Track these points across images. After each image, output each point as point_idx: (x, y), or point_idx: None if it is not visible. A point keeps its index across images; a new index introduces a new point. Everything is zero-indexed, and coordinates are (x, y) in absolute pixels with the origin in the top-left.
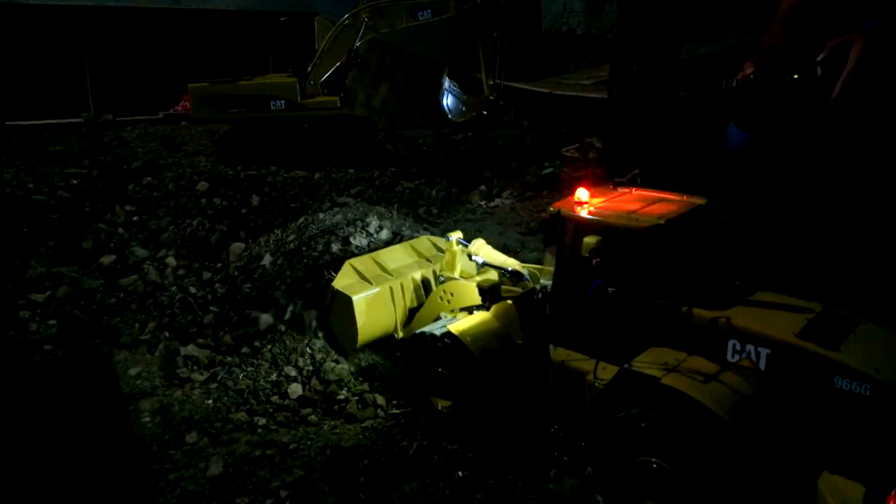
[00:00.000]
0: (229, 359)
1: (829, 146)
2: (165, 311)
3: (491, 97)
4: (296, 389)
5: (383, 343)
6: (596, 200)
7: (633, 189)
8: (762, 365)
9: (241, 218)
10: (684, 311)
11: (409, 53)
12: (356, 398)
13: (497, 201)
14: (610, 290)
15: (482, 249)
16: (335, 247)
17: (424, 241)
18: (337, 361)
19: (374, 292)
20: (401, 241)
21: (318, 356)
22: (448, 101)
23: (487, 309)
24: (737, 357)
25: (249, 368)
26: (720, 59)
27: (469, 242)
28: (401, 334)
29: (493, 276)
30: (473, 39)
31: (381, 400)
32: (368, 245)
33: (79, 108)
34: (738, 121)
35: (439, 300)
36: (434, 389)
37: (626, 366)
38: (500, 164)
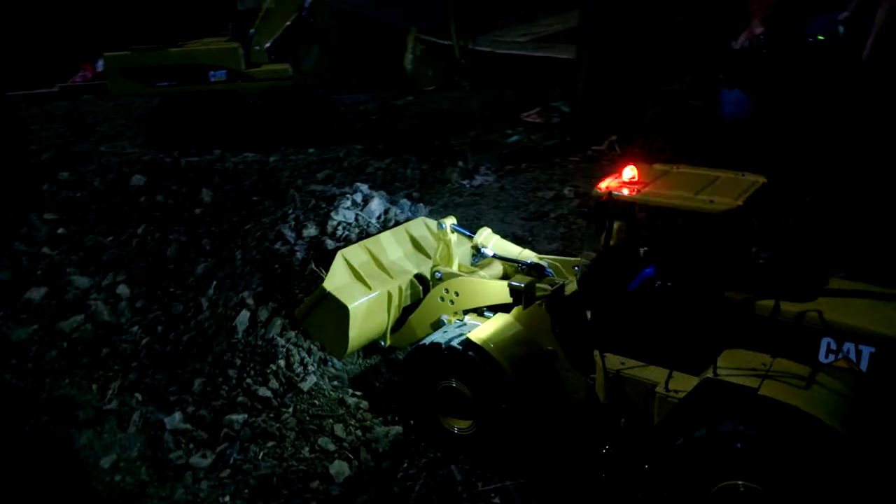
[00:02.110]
0: (237, 428)
1: (859, 109)
2: (130, 363)
3: (462, 60)
4: (341, 469)
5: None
6: (640, 177)
7: (677, 166)
8: (863, 365)
9: (197, 221)
10: (767, 306)
11: (340, 12)
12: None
13: (479, 179)
14: (659, 283)
15: (491, 240)
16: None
17: (420, 226)
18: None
19: (372, 298)
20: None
21: (361, 414)
22: (415, 65)
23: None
24: (831, 357)
25: (270, 443)
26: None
27: (465, 229)
28: (389, 341)
29: (497, 269)
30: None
31: None
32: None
33: None
34: (747, 84)
35: (440, 301)
36: (447, 409)
37: (710, 375)
38: (457, 133)
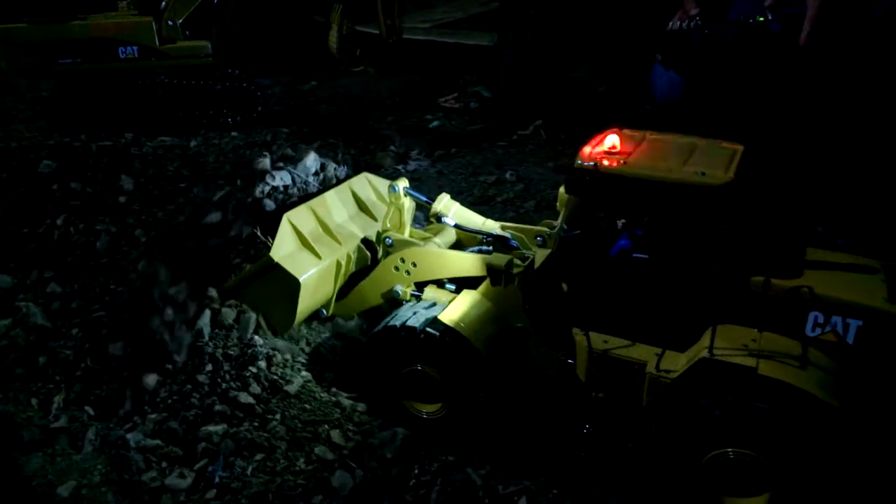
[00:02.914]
0: (216, 440)
1: (801, 92)
2: (74, 372)
3: (390, 40)
4: (344, 480)
5: None
6: (623, 146)
7: (648, 132)
8: (850, 338)
9: (123, 209)
10: (757, 281)
11: None
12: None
13: (413, 164)
14: (636, 255)
15: (452, 208)
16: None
17: (364, 184)
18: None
19: (322, 268)
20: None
21: (359, 417)
22: (340, 44)
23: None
24: (818, 331)
25: (258, 456)
26: None
27: (419, 194)
28: (331, 310)
29: (450, 235)
30: None
31: None
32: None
33: None
34: (683, 66)
35: (394, 271)
36: (413, 393)
37: (705, 355)
38: (375, 118)
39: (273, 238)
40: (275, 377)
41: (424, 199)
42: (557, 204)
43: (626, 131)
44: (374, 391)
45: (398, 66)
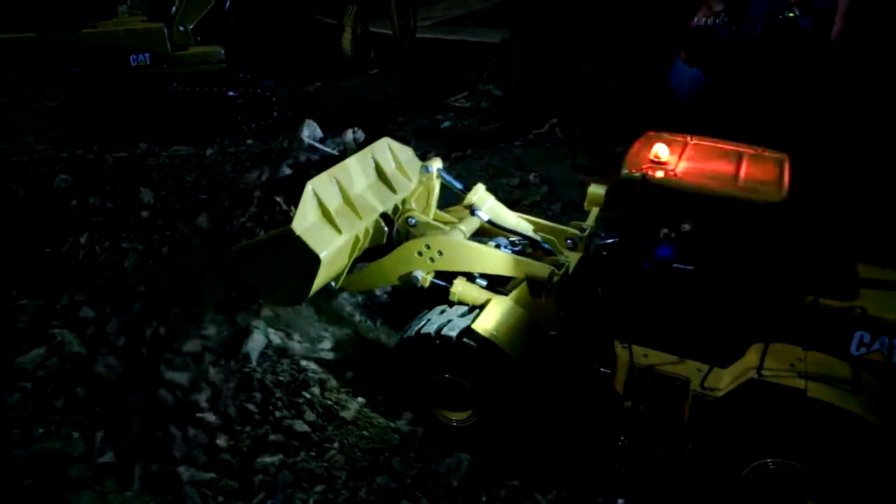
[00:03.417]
0: (272, 472)
1: (836, 93)
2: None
3: (404, 42)
4: None
5: None
6: (670, 155)
7: (691, 137)
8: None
9: (146, 225)
10: (809, 301)
11: None
12: None
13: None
14: (680, 266)
15: (487, 201)
16: None
17: (385, 150)
18: None
19: (341, 243)
20: None
21: (419, 443)
22: (354, 46)
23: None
24: (863, 350)
25: (318, 487)
26: None
27: (452, 179)
28: (340, 283)
29: (473, 223)
30: None
31: None
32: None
33: None
34: (710, 65)
35: (417, 255)
36: (443, 401)
37: (753, 375)
38: (386, 119)
39: (295, 207)
40: (329, 402)
41: (459, 186)
42: (586, 203)
43: (666, 135)
44: (404, 398)
45: (410, 67)
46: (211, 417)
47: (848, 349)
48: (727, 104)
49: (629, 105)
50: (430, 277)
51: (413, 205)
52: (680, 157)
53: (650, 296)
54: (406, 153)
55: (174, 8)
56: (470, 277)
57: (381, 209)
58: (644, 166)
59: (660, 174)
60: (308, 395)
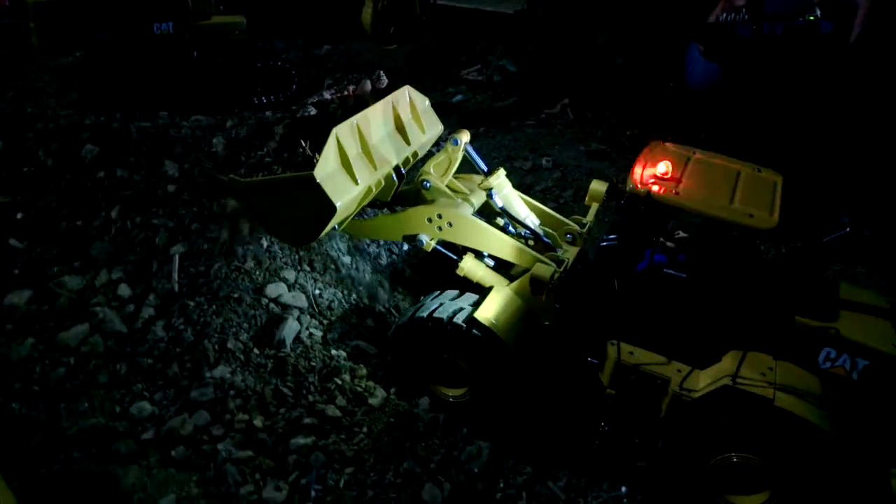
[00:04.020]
0: (306, 452)
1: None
2: (156, 380)
3: (424, 18)
4: (434, 494)
5: None
6: (673, 172)
7: (693, 151)
8: (855, 374)
9: (172, 200)
10: (787, 317)
11: None
12: None
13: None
14: (674, 273)
15: (504, 188)
16: None
17: (404, 98)
18: None
19: (356, 193)
20: None
21: (442, 430)
22: (374, 20)
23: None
24: (828, 364)
25: (349, 469)
26: None
27: (477, 156)
28: (343, 227)
29: (480, 197)
30: None
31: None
32: None
33: None
34: (726, 61)
35: (427, 221)
36: (440, 378)
37: (728, 382)
38: (396, 87)
39: (318, 154)
40: (359, 389)
41: (482, 165)
42: (587, 199)
43: (671, 147)
44: (404, 375)
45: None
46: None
47: (816, 362)
48: (741, 98)
49: (640, 86)
50: (433, 243)
51: (432, 171)
52: (682, 173)
53: (641, 297)
54: (423, 103)
55: None
56: (478, 254)
57: (395, 162)
58: (649, 182)
59: (662, 191)
60: (339, 382)
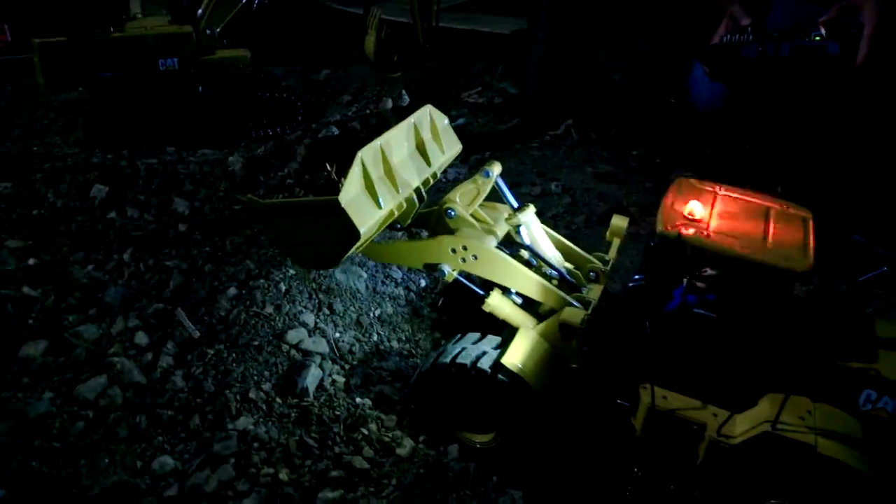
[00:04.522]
0: (330, 494)
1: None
2: (177, 432)
3: (427, 45)
4: None
5: None
6: (703, 213)
7: (719, 187)
8: None
9: (184, 239)
10: (826, 359)
11: None
12: None
13: (452, 172)
14: (705, 314)
15: (532, 225)
16: None
17: (425, 118)
18: None
19: (378, 217)
20: None
21: (472, 480)
22: (378, 49)
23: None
24: (868, 406)
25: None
26: None
27: (508, 191)
28: (361, 250)
29: (503, 228)
30: None
31: None
32: None
33: None
34: (732, 82)
35: (450, 252)
36: (467, 424)
37: (768, 429)
38: (398, 114)
39: (341, 177)
40: (386, 439)
41: (512, 199)
42: (608, 234)
43: (696, 183)
44: (430, 422)
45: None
46: (274, 451)
47: (856, 404)
48: (748, 119)
49: (642, 103)
50: (455, 273)
51: (458, 199)
52: (711, 212)
53: (671, 339)
54: (443, 122)
55: (200, 10)
56: (504, 289)
57: (416, 184)
58: (678, 223)
59: (692, 231)
60: (365, 431)
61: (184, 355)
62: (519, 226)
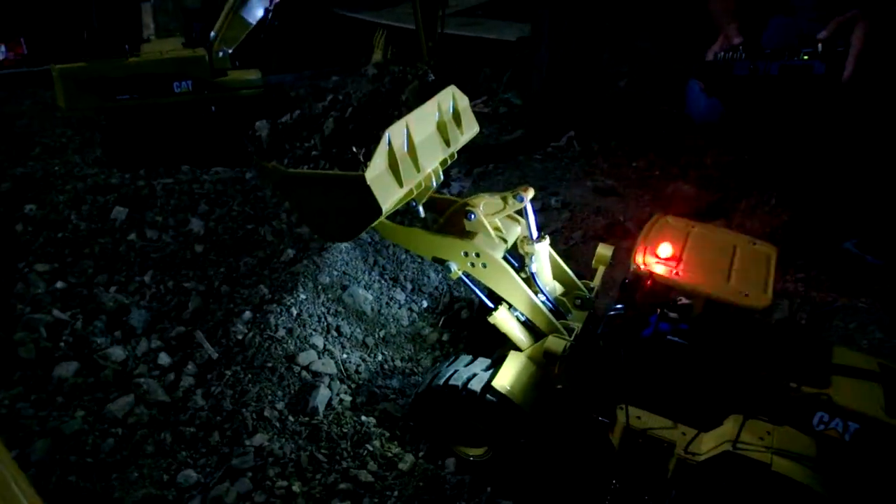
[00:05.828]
0: None
1: (844, 129)
2: (199, 448)
3: (431, 62)
4: None
5: None
6: (673, 252)
7: (692, 224)
8: (847, 436)
9: (201, 261)
10: (782, 384)
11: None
12: None
13: (456, 185)
14: (676, 340)
15: (543, 255)
16: None
17: (448, 98)
18: None
19: (399, 195)
20: None
21: (469, 494)
22: (383, 65)
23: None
24: (822, 427)
25: None
26: None
27: (534, 218)
28: (375, 224)
29: (512, 238)
30: None
31: None
32: None
33: None
34: (725, 97)
35: (462, 255)
36: (461, 439)
37: (729, 448)
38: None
39: (366, 156)
40: (389, 455)
41: (534, 228)
42: (594, 262)
43: (671, 221)
44: (427, 437)
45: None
46: (287, 466)
47: (810, 425)
48: (743, 132)
49: (643, 112)
50: (460, 273)
51: (482, 207)
52: (682, 250)
53: (646, 364)
54: (464, 102)
55: (213, 33)
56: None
57: (435, 163)
58: (651, 262)
59: (662, 270)
60: (370, 448)
61: (203, 375)
62: (530, 254)
